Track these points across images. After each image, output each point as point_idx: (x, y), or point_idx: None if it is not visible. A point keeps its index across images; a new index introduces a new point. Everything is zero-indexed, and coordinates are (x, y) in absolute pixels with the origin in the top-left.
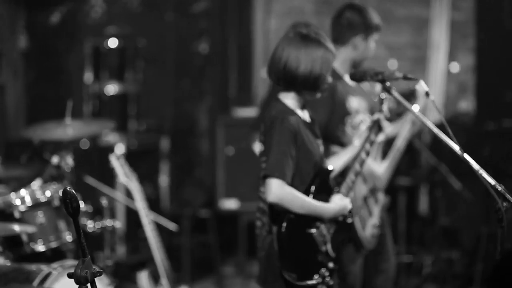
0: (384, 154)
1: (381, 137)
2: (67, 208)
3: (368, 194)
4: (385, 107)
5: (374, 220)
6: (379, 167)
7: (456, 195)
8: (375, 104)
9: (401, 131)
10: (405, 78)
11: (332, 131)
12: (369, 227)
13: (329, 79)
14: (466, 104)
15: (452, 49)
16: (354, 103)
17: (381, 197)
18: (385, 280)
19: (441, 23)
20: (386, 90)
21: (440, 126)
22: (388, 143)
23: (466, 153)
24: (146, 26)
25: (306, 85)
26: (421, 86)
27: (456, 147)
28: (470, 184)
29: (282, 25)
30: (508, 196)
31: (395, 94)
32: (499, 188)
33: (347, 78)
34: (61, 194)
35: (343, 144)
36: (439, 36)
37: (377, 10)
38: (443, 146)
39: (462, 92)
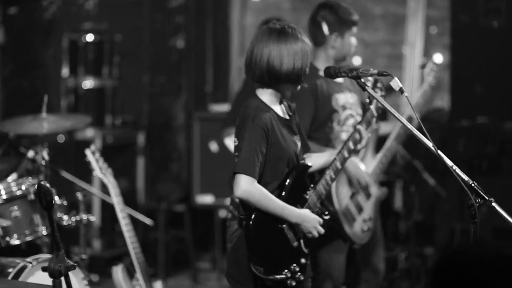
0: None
1: (360, 146)
2: (41, 202)
3: (355, 192)
4: (372, 107)
5: (365, 215)
6: (369, 164)
7: (431, 191)
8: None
9: (393, 130)
10: (380, 74)
11: (319, 128)
12: (358, 222)
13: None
14: (441, 101)
15: (427, 46)
16: (341, 99)
17: (374, 190)
18: (375, 274)
19: (416, 21)
20: (360, 86)
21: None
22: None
23: (440, 149)
24: (123, 21)
25: (289, 80)
26: (396, 83)
27: (429, 144)
28: (444, 180)
29: (258, 21)
30: (481, 192)
31: (370, 90)
32: (473, 184)
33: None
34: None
35: (330, 140)
36: (415, 33)
37: (353, 7)
38: (417, 143)
39: (437, 89)
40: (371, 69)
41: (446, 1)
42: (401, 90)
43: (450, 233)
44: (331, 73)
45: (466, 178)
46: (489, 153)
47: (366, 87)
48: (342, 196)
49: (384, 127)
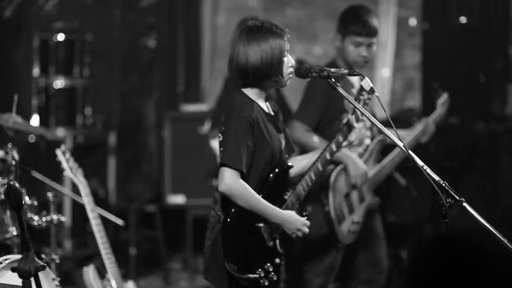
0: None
1: (351, 138)
2: (10, 203)
3: (351, 191)
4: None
5: (355, 217)
6: (369, 171)
7: (402, 191)
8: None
9: (392, 152)
10: (350, 74)
11: (327, 126)
12: (347, 222)
13: (292, 63)
14: (413, 101)
15: (398, 46)
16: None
17: (368, 197)
18: (379, 274)
19: (388, 21)
20: (331, 86)
21: (385, 122)
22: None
23: (412, 149)
24: (94, 20)
25: (258, 76)
26: (367, 82)
27: (400, 144)
28: (415, 180)
29: (230, 21)
30: (452, 192)
31: (340, 90)
32: (443, 184)
33: (352, 80)
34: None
35: None
36: (386, 34)
37: (324, 6)
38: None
39: (408, 89)
40: (342, 69)
41: (417, 1)
42: (372, 90)
43: (422, 234)
44: (301, 72)
45: (437, 178)
46: (460, 153)
47: (337, 87)
48: (337, 192)
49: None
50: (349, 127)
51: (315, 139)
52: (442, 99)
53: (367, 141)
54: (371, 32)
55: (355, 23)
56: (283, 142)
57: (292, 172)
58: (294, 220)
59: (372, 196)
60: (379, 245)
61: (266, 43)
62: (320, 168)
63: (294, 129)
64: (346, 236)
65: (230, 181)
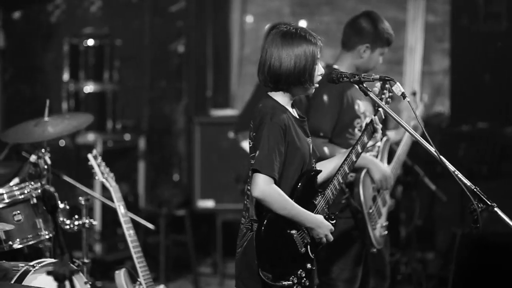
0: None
1: (375, 140)
2: (46, 206)
3: (376, 194)
4: (381, 110)
5: (382, 220)
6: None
7: (431, 196)
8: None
9: (402, 140)
10: (382, 79)
11: (341, 133)
12: (378, 226)
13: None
14: (441, 107)
15: (427, 51)
16: (363, 106)
17: (388, 199)
18: (382, 280)
19: (416, 26)
20: (363, 91)
21: (416, 127)
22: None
23: (442, 154)
24: (123, 25)
25: (290, 81)
26: (398, 87)
27: (431, 149)
28: (444, 185)
29: (258, 26)
30: (483, 197)
31: (371, 95)
32: (475, 189)
33: None
34: (39, 192)
35: (351, 146)
36: (415, 39)
37: (353, 12)
38: (418, 147)
39: (437, 94)
40: (373, 74)
41: (445, 6)
42: (403, 95)
43: (451, 238)
44: (333, 77)
45: (468, 183)
46: (490, 158)
47: (369, 92)
48: (367, 198)
49: (395, 135)
50: (373, 128)
51: (326, 150)
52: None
53: (379, 144)
54: None
55: (390, 34)
56: (311, 146)
57: (320, 177)
58: (324, 225)
59: (389, 198)
60: (386, 252)
61: (300, 49)
62: (347, 171)
63: None
64: (379, 240)
65: (264, 186)
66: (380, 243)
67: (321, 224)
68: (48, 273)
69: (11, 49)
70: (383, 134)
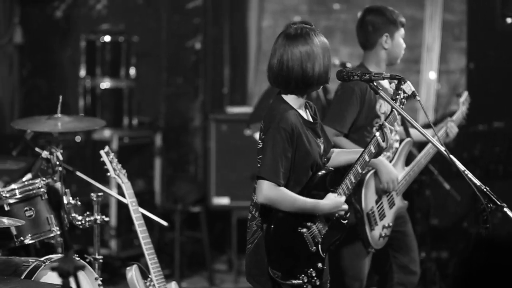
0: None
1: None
2: (50, 202)
3: (382, 196)
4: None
5: (386, 221)
6: (399, 173)
7: (445, 195)
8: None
9: (425, 147)
10: (392, 78)
11: (358, 131)
12: (379, 227)
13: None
14: (457, 106)
15: (443, 50)
16: (384, 106)
17: (398, 201)
18: (410, 277)
19: (434, 25)
20: (373, 89)
21: (426, 126)
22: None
23: (457, 153)
24: (140, 22)
25: (298, 82)
26: (408, 86)
27: (442, 148)
28: (459, 184)
29: (275, 23)
30: (493, 197)
31: (382, 93)
32: (485, 189)
33: (382, 82)
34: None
35: (367, 144)
36: (432, 37)
37: None
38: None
39: (454, 93)
40: (384, 72)
41: (463, 5)
42: (414, 94)
43: (466, 238)
44: (343, 76)
45: (478, 183)
46: (506, 157)
47: (379, 91)
48: (369, 198)
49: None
50: (388, 129)
51: (335, 140)
52: (463, 97)
53: (396, 144)
54: None
55: (398, 15)
56: (322, 147)
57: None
58: (339, 201)
59: (401, 199)
60: (411, 247)
61: (304, 49)
62: (360, 171)
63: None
64: (378, 241)
65: (268, 192)
66: (378, 244)
67: (333, 204)
68: (53, 269)
69: (29, 45)
70: (407, 135)
